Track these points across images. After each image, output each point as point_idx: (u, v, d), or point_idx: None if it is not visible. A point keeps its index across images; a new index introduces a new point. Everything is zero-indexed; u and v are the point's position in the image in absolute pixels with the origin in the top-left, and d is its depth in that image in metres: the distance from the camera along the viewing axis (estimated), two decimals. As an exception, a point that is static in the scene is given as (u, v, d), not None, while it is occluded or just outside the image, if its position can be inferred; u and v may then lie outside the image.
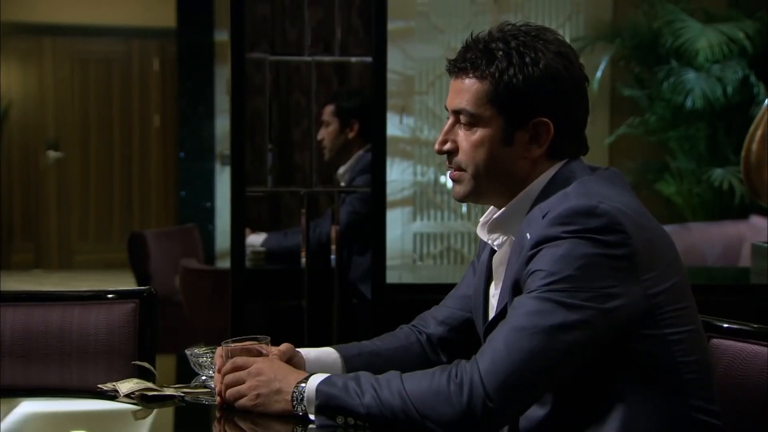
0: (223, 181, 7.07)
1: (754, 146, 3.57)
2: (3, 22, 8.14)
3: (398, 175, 6.18)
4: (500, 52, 1.60)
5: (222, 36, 6.99)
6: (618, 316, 1.51)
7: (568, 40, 1.71)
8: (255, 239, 3.88)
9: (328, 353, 1.77)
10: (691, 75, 5.80)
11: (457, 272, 4.42)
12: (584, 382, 1.55)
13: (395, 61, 5.89)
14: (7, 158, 8.81)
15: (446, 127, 1.67)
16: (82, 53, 9.05)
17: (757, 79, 5.79)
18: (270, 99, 3.93)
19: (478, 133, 1.62)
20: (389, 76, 3.45)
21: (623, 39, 6.08)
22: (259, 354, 1.65)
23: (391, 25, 3.76)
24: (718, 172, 5.80)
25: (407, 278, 3.85)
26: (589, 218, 1.52)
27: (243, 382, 1.59)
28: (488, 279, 1.72)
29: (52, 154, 8.99)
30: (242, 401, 1.58)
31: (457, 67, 1.64)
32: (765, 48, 5.88)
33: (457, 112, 1.65)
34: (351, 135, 3.75)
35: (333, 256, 3.57)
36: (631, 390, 1.54)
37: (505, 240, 1.67)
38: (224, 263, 5.90)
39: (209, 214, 7.35)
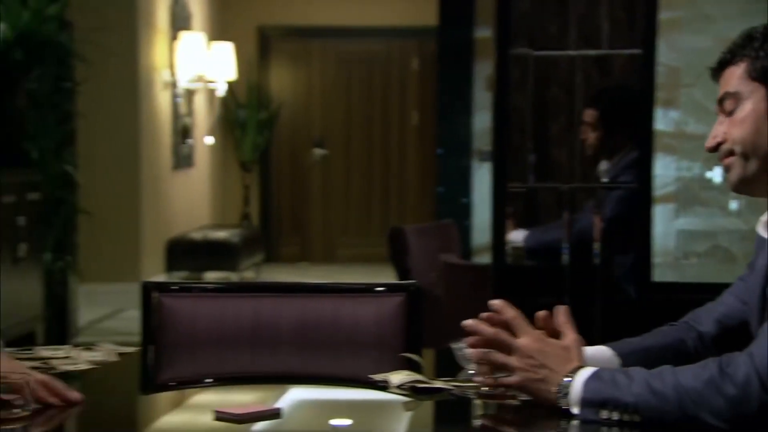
0: (479, 177, 7.10)
1: None
2: (275, 26, 8.58)
3: (661, 170, 5.97)
4: (758, 33, 1.58)
5: (482, 33, 7.02)
6: None
7: None
8: (516, 236, 3.89)
9: (602, 351, 1.74)
10: None
11: (726, 271, 4.22)
12: None
13: (660, 52, 5.71)
14: (277, 157, 9.29)
15: (715, 125, 1.62)
16: (346, 54, 9.38)
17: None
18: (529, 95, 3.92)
19: (742, 111, 1.57)
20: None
21: None
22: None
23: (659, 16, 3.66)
24: None
25: (671, 277, 3.73)
26: None
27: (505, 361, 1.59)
28: (766, 282, 1.62)
29: (318, 152, 9.38)
30: (509, 379, 1.58)
31: (719, 63, 1.62)
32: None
33: (721, 102, 1.61)
34: (615, 139, 3.71)
35: (596, 252, 3.51)
36: None
37: None
38: (480, 259, 5.94)
39: (465, 210, 7.41)
